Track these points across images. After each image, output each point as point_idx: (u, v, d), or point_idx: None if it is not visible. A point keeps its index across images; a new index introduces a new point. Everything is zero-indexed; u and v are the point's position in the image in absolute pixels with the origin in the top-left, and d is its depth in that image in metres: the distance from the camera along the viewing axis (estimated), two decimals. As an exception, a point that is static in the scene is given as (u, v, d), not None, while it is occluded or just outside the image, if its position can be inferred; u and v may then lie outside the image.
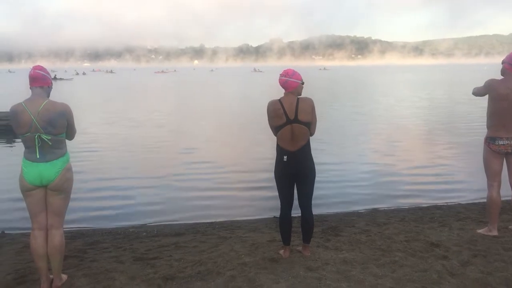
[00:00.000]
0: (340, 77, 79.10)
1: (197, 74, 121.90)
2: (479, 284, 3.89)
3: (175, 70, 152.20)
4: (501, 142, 5.00)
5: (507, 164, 5.14)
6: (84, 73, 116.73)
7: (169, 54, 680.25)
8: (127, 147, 13.49)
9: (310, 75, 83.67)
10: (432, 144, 13.39)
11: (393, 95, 35.34)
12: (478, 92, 5.16)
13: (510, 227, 5.36)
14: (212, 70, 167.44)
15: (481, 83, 5.23)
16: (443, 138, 14.43)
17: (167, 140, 14.61)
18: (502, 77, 5.03)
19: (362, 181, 9.15)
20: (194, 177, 9.72)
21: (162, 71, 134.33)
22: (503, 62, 5.02)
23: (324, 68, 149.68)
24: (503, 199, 5.27)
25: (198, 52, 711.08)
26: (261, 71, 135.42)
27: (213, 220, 6.93)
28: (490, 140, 5.08)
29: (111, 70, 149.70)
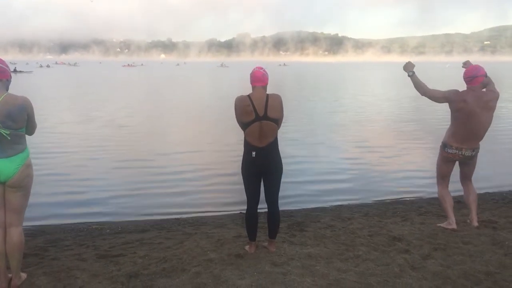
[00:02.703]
0: (297, 73, 79.09)
1: (163, 68, 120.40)
2: (439, 277, 4.00)
3: (142, 64, 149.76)
4: (449, 151, 5.20)
5: (460, 168, 5.35)
6: (48, 66, 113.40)
7: (138, 48, 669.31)
8: (88, 141, 13.17)
9: (269, 70, 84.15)
10: (395, 140, 13.64)
11: (349, 92, 35.86)
12: (438, 95, 5.24)
13: (468, 221, 5.53)
14: (178, 65, 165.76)
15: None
16: (404, 134, 14.72)
17: (129, 136, 14.32)
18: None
19: (327, 177, 9.25)
20: (159, 172, 9.60)
21: (129, 65, 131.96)
22: (474, 76, 5.12)
23: (284, 64, 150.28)
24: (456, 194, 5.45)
25: (168, 46, 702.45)
26: (227, 66, 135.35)
27: (178, 216, 6.87)
28: (443, 146, 5.29)
29: (75, 63, 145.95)
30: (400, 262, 4.33)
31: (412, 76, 5.41)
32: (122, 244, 5.23)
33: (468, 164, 5.29)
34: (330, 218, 6.27)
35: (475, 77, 5.08)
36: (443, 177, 5.38)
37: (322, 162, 10.64)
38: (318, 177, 9.20)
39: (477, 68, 5.13)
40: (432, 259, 4.42)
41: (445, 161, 5.30)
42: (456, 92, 5.13)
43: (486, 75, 5.13)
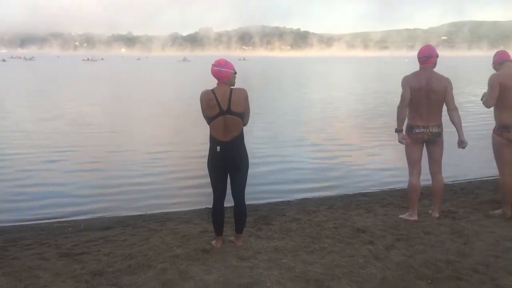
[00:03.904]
0: (258, 69, 78.94)
1: (124, 63, 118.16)
2: (402, 266, 4.10)
3: (102, 59, 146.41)
4: (417, 130, 5.29)
5: (428, 152, 5.46)
6: (4, 60, 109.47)
7: (98, 42, 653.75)
8: (50, 140, 12.81)
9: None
10: (359, 135, 13.89)
11: (313, 86, 36.28)
12: (404, 95, 5.35)
13: (429, 211, 5.69)
14: (139, 59, 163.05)
15: (403, 75, 5.49)
16: (368, 129, 14.99)
17: (91, 134, 14.00)
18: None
19: (291, 171, 9.33)
20: (122, 167, 9.46)
21: (89, 59, 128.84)
22: (430, 56, 5.27)
23: (244, 59, 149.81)
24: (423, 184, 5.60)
25: (130, 40, 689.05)
26: (189, 61, 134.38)
27: (143, 213, 6.79)
28: (409, 129, 5.37)
29: (32, 57, 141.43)
30: (365, 253, 4.42)
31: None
32: (86, 242, 5.12)
33: (436, 144, 5.37)
34: (295, 211, 6.33)
35: (430, 57, 5.27)
36: (414, 163, 5.43)
37: (286, 156, 10.71)
38: (283, 171, 9.27)
39: (431, 48, 5.36)
40: (395, 249, 4.53)
41: (414, 144, 5.37)
42: (407, 78, 5.31)
43: (437, 56, 5.32)
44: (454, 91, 5.42)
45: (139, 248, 4.71)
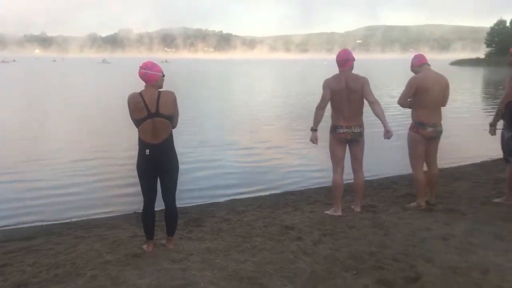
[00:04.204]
0: (182, 71, 78.07)
1: (38, 64, 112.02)
2: (329, 260, 4.31)
3: (14, 60, 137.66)
4: (341, 131, 5.58)
5: (350, 151, 5.77)
6: None
7: (11, 42, 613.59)
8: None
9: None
10: (285, 135, 14.24)
11: (237, 89, 36.66)
12: (324, 95, 5.62)
13: (352, 207, 6.00)
14: (54, 61, 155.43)
15: (323, 78, 5.78)
16: (293, 130, 15.40)
17: (6, 141, 13.23)
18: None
19: (220, 173, 9.38)
20: (42, 173, 9.02)
21: (2, 61, 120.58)
22: (347, 60, 5.58)
23: (166, 61, 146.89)
24: (346, 182, 5.89)
25: (45, 41, 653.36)
26: (109, 63, 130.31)
27: (68, 220, 6.54)
28: (333, 129, 5.65)
29: None
30: (294, 249, 4.59)
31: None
32: (7, 253, 4.86)
33: (358, 143, 5.68)
34: (225, 212, 6.41)
35: (347, 60, 5.59)
36: (338, 161, 5.72)
37: (214, 158, 10.75)
38: (211, 173, 9.30)
39: (348, 52, 5.69)
40: (322, 244, 4.74)
41: (338, 143, 5.66)
42: (327, 80, 5.60)
43: (354, 59, 5.67)
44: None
45: (66, 257, 4.55)
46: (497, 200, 6.11)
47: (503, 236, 4.78)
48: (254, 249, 4.65)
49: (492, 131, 6.11)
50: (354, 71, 5.65)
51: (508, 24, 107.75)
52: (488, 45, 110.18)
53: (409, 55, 6.30)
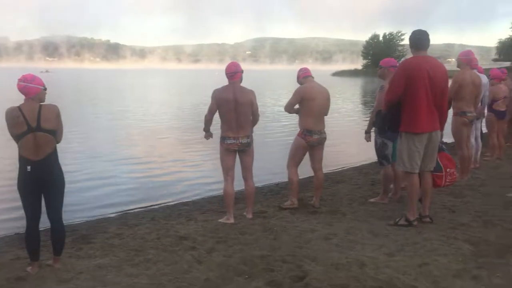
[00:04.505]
0: (63, 81, 74.15)
1: None
2: (222, 266, 4.44)
3: None
4: (229, 142, 5.80)
5: (240, 160, 6.01)
6: None
7: None
8: None
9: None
10: (177, 147, 14.20)
11: (124, 100, 35.85)
12: (212, 106, 5.83)
13: (244, 213, 6.21)
14: None
15: (214, 87, 5.98)
16: (185, 140, 15.38)
17: None
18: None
19: (110, 187, 9.11)
20: None
21: None
22: (236, 72, 5.84)
23: (47, 71, 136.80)
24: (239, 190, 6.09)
25: None
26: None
27: None
28: (221, 140, 5.85)
29: None
30: (188, 259, 4.65)
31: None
32: None
33: (246, 153, 5.93)
34: (116, 227, 6.26)
35: (236, 72, 5.84)
36: (228, 170, 5.92)
37: (104, 172, 10.40)
38: (101, 188, 8.99)
39: (236, 65, 5.96)
40: (215, 251, 4.86)
41: (227, 153, 5.86)
42: (216, 91, 5.82)
43: (242, 71, 5.95)
44: (261, 103, 6.10)
45: None
46: (372, 200, 6.72)
47: (378, 233, 5.26)
48: (148, 262, 4.63)
49: (367, 138, 6.72)
50: (245, 81, 5.94)
51: (381, 38, 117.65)
52: (364, 57, 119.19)
53: (296, 66, 6.79)
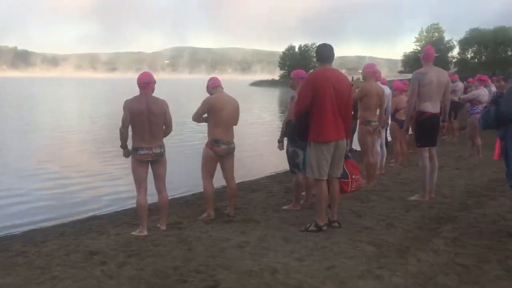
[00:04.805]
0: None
1: None
2: (134, 280, 4.35)
3: None
4: (142, 152, 5.74)
5: (153, 171, 5.94)
6: None
7: None
8: None
9: None
10: (90, 159, 13.70)
11: (38, 109, 34.08)
12: (125, 118, 5.71)
13: (158, 225, 6.13)
14: None
15: (132, 95, 5.88)
16: (100, 153, 14.89)
17: None
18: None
19: (13, 203, 8.59)
20: None
21: None
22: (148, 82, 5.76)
23: None
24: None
25: None
26: None
27: None
28: (134, 151, 5.76)
29: None
30: (98, 274, 4.51)
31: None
32: None
33: (159, 163, 5.89)
34: (21, 245, 5.91)
35: (149, 83, 5.77)
36: (140, 182, 5.85)
37: (10, 187, 9.79)
38: (7, 206, 8.43)
39: (149, 75, 5.86)
40: (127, 265, 4.75)
41: (139, 164, 5.79)
42: (128, 102, 5.74)
43: (155, 82, 5.87)
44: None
45: None
46: (285, 207, 6.91)
47: (290, 239, 5.43)
48: (54, 279, 4.43)
49: (280, 147, 6.93)
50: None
51: (297, 49, 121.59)
52: (281, 68, 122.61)
53: (215, 76, 6.83)
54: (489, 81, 15.11)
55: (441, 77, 6.83)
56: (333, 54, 5.61)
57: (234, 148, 6.48)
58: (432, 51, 7.02)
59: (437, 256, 4.77)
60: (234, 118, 6.45)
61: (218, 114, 6.23)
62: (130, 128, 5.79)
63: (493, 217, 6.08)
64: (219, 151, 6.30)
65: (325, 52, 5.59)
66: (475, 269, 4.43)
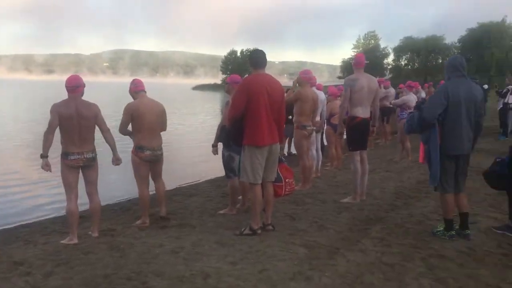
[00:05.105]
0: None
1: None
2: (61, 290, 4.21)
3: None
4: (72, 157, 5.56)
5: (84, 176, 5.77)
6: None
7: None
8: None
9: None
10: (20, 164, 13.10)
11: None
12: (52, 122, 5.51)
13: (90, 232, 5.96)
14: None
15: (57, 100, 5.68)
16: (32, 157, 14.25)
17: None
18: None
19: None
20: None
21: None
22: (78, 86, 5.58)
23: None
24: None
25: None
26: None
27: None
28: (64, 156, 5.57)
29: None
30: (21, 285, 4.32)
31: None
32: None
33: (91, 168, 5.74)
34: None
35: (78, 86, 5.63)
36: (71, 189, 5.66)
37: None
38: None
39: (78, 78, 5.73)
40: (54, 275, 4.58)
41: (70, 170, 5.61)
42: (56, 106, 5.57)
43: (84, 85, 5.74)
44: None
45: None
46: (221, 211, 6.92)
47: (224, 243, 5.44)
48: (-27, 292, 4.21)
49: (214, 151, 6.95)
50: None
51: (239, 54, 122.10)
52: (223, 72, 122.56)
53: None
54: (419, 87, 15.96)
55: (371, 83, 7.12)
56: (265, 60, 5.70)
57: (161, 155, 6.40)
58: (363, 59, 7.29)
59: (365, 256, 4.96)
60: (159, 123, 6.32)
61: (140, 119, 6.09)
62: (58, 134, 5.60)
63: (419, 217, 6.38)
64: (144, 157, 6.19)
65: (258, 58, 5.67)
66: (399, 267, 4.64)
